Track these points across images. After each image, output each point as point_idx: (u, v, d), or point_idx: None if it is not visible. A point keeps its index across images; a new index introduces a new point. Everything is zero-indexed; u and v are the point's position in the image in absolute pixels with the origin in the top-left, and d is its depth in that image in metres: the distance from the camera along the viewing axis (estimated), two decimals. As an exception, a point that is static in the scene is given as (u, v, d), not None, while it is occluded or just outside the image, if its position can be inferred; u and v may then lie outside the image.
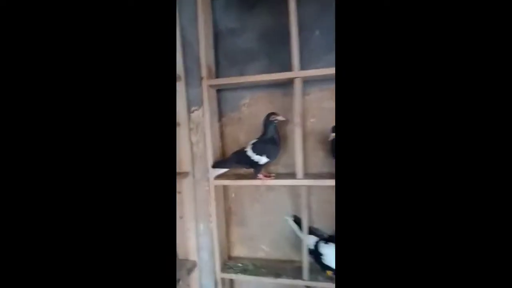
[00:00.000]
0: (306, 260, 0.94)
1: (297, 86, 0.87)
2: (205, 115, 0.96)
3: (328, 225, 1.03)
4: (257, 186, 1.08)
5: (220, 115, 1.08)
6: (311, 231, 0.97)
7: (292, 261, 1.06)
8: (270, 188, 1.08)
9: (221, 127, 1.09)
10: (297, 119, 0.89)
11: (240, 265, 1.06)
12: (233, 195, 1.13)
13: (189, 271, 1.05)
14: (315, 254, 0.94)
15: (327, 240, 0.94)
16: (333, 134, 0.87)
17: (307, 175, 0.94)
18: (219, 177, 0.98)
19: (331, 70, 0.84)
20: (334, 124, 0.90)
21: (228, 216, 1.13)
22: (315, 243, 0.94)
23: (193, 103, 1.07)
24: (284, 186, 1.04)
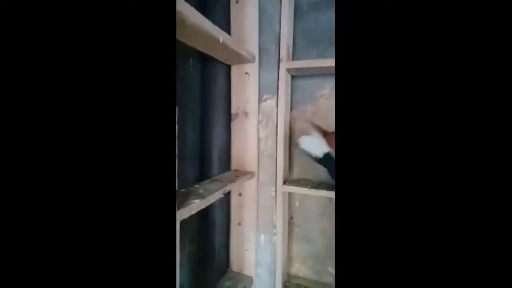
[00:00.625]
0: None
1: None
2: (280, 105, 0.79)
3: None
4: (330, 198, 0.88)
5: (290, 107, 0.90)
6: None
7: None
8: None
9: (290, 122, 0.91)
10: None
11: (304, 286, 0.88)
12: (297, 203, 0.94)
13: None
14: None
15: None
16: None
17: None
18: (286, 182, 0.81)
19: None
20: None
21: (290, 228, 0.95)
22: None
23: (266, 90, 0.90)
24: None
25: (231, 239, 0.95)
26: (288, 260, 0.97)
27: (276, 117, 0.86)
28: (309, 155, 0.76)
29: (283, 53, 0.77)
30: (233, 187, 0.74)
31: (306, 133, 0.78)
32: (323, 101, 0.88)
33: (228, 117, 0.89)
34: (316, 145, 0.74)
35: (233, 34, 0.85)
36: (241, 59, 0.80)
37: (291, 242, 0.96)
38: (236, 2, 0.85)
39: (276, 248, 0.85)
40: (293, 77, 0.89)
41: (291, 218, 0.96)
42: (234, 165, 0.91)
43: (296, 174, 0.92)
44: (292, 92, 0.90)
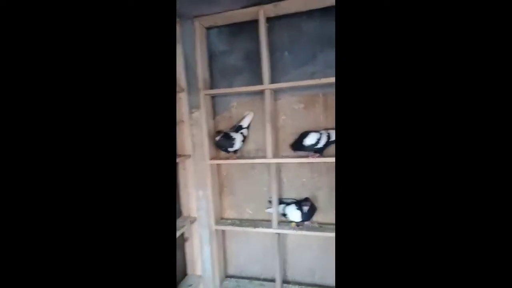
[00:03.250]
0: (275, 217, 1.35)
1: (267, 95, 1.26)
2: (202, 115, 1.36)
3: (293, 193, 1.43)
4: (242, 165, 1.48)
5: (215, 114, 1.48)
6: (280, 201, 1.38)
7: (268, 220, 1.47)
8: (252, 166, 1.48)
9: (216, 123, 1.49)
10: (267, 117, 1.27)
11: (229, 221, 1.49)
12: (225, 173, 1.53)
13: (191, 223, 1.49)
14: (283, 215, 1.34)
15: (288, 203, 1.34)
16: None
17: (277, 157, 1.34)
18: (213, 159, 1.40)
19: (294, 83, 1.22)
20: (301, 120, 1.30)
21: (221, 188, 1.54)
22: (282, 209, 1.35)
23: (193, 106, 1.47)
24: (261, 164, 1.43)
25: (180, 195, 1.53)
26: (223, 209, 1.56)
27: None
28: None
29: (201, 84, 1.34)
30: (179, 163, 1.31)
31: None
32: (234, 109, 1.46)
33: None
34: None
35: (175, 72, 1.41)
36: (178, 90, 1.38)
37: (224, 197, 1.55)
38: (175, 52, 1.40)
39: (208, 198, 1.44)
40: (214, 97, 1.46)
41: (222, 182, 1.54)
42: (178, 151, 1.48)
43: (217, 153, 1.51)
44: (215, 105, 1.47)
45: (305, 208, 1.26)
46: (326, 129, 1.29)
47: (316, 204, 1.33)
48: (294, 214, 1.29)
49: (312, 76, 1.29)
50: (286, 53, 1.34)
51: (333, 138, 1.23)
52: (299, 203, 1.29)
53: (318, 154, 1.25)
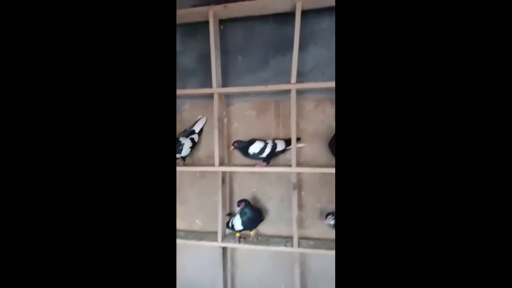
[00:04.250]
0: (220, 230, 1.27)
1: (216, 99, 1.20)
2: None
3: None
4: (193, 173, 1.40)
5: (165, 117, 1.40)
6: (228, 213, 1.30)
7: (215, 232, 1.38)
8: (203, 175, 1.40)
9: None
10: (215, 123, 1.21)
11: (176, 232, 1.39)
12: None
13: None
14: (230, 225, 1.27)
15: (234, 215, 1.26)
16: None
17: (226, 164, 1.27)
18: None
19: (242, 89, 1.17)
20: (253, 127, 1.24)
21: (171, 196, 1.45)
22: (229, 220, 1.27)
23: None
24: (213, 173, 1.35)
25: None
26: (172, 218, 1.46)
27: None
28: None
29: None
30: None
31: None
32: (186, 113, 1.39)
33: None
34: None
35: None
36: None
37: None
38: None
39: (154, 207, 1.33)
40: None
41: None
42: None
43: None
44: (165, 107, 1.39)
45: (238, 209, 1.20)
46: (276, 138, 1.24)
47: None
48: (236, 222, 1.21)
49: (264, 82, 1.24)
50: (240, 57, 1.30)
51: (279, 148, 1.18)
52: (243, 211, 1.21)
53: (265, 163, 1.19)
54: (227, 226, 1.28)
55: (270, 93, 1.24)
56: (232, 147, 1.22)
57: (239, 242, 1.25)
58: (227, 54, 1.29)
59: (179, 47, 1.36)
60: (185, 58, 1.36)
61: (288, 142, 1.18)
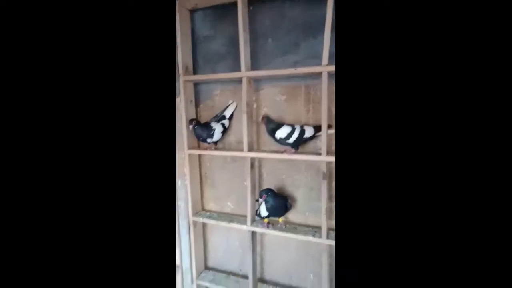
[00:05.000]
0: (249, 214, 1.28)
1: (244, 83, 1.17)
2: (181, 102, 1.31)
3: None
4: (224, 157, 1.42)
5: (198, 103, 1.42)
6: (257, 199, 1.30)
7: (245, 216, 1.40)
8: (234, 159, 1.41)
9: (199, 113, 1.43)
10: (244, 108, 1.19)
11: (208, 213, 1.45)
12: (208, 164, 1.49)
13: None
14: (258, 212, 1.27)
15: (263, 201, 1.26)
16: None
17: (255, 150, 1.26)
18: (192, 148, 1.35)
19: (271, 72, 1.12)
20: (282, 113, 1.20)
21: (204, 180, 1.50)
22: (259, 205, 1.27)
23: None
24: (243, 158, 1.36)
25: None
26: (204, 200, 1.53)
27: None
28: (198, 136, 1.30)
29: (181, 71, 1.28)
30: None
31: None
32: (217, 98, 1.40)
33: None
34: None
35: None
36: None
37: (206, 188, 1.51)
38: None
39: (187, 188, 1.40)
40: (197, 84, 1.41)
41: (205, 173, 1.50)
42: None
43: (198, 143, 1.46)
44: (197, 93, 1.42)
45: (260, 200, 1.19)
46: (306, 124, 1.18)
47: (292, 203, 1.24)
48: (262, 209, 1.21)
49: (294, 65, 1.17)
50: (270, 40, 1.24)
51: (307, 134, 1.12)
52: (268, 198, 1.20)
53: (293, 150, 1.15)
54: (256, 213, 1.29)
55: (300, 76, 1.17)
56: (261, 120, 1.21)
57: (268, 227, 1.25)
58: (257, 37, 1.24)
59: (208, 32, 1.35)
60: (215, 43, 1.35)
61: (317, 128, 1.11)
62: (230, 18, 1.29)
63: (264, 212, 1.21)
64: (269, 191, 1.19)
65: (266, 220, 1.26)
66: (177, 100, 1.40)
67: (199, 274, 1.49)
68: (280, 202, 1.18)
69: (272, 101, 1.28)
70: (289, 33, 1.18)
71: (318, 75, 1.06)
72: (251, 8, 1.22)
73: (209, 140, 1.30)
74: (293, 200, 1.28)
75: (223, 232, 1.51)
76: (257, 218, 1.31)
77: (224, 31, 1.32)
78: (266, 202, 1.18)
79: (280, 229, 1.23)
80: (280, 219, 1.25)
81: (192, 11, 1.34)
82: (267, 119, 1.19)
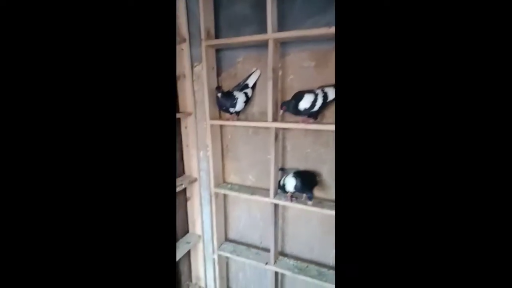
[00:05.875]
0: (272, 187, 1.24)
1: (271, 46, 1.09)
2: (203, 69, 1.26)
3: (296, 164, 1.29)
4: (246, 129, 1.37)
5: (219, 71, 1.36)
6: (280, 169, 1.25)
7: (267, 189, 1.37)
8: (256, 131, 1.36)
9: (221, 81, 1.37)
10: (269, 73, 1.12)
11: (229, 185, 1.43)
12: (229, 136, 1.45)
13: (191, 182, 1.47)
14: (281, 184, 1.22)
15: (288, 174, 1.21)
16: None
17: (282, 121, 1.19)
18: (214, 119, 1.31)
19: (300, 32, 1.03)
20: (311, 81, 1.12)
21: (225, 153, 1.47)
22: (281, 178, 1.22)
23: (195, 59, 1.37)
24: (266, 130, 1.30)
25: (183, 154, 1.51)
26: (226, 173, 1.50)
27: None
28: (221, 106, 1.25)
29: (203, 35, 1.21)
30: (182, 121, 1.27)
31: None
32: (240, 65, 1.32)
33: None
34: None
35: (179, 22, 1.31)
36: (179, 41, 1.28)
37: (227, 161, 1.49)
38: (179, 0, 1.28)
39: (209, 160, 1.38)
40: (219, 50, 1.34)
41: (227, 146, 1.47)
42: (180, 108, 1.42)
43: (220, 113, 1.41)
44: (219, 61, 1.35)
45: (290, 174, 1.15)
46: (325, 85, 1.09)
47: (318, 178, 1.18)
48: (289, 182, 1.16)
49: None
50: (299, 0, 1.12)
51: (331, 96, 1.03)
52: (298, 173, 1.15)
53: (312, 120, 1.07)
54: (279, 185, 1.24)
55: (331, 39, 1.06)
56: (281, 111, 1.13)
57: (291, 200, 1.21)
58: (284, -2, 1.12)
59: (233, -7, 1.25)
60: (239, 5, 1.26)
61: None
62: (254, -22, 1.18)
63: (290, 187, 1.15)
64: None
65: (289, 193, 1.22)
66: (199, 67, 1.34)
67: (220, 245, 1.51)
68: (308, 179, 1.16)
69: (299, 68, 1.18)
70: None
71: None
72: (279, -38, 1.10)
73: (231, 109, 1.25)
74: (319, 175, 1.22)
75: (244, 204, 1.49)
76: (279, 191, 1.27)
77: (248, -8, 1.22)
78: (296, 178, 1.13)
79: (304, 203, 1.19)
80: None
81: (215, -30, 1.25)
82: (286, 104, 1.10)
